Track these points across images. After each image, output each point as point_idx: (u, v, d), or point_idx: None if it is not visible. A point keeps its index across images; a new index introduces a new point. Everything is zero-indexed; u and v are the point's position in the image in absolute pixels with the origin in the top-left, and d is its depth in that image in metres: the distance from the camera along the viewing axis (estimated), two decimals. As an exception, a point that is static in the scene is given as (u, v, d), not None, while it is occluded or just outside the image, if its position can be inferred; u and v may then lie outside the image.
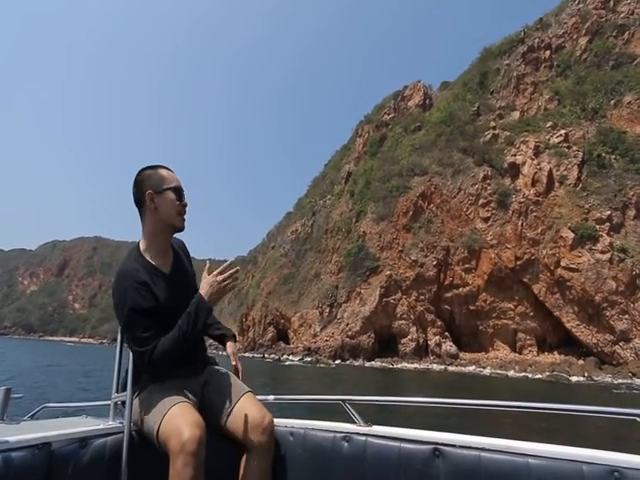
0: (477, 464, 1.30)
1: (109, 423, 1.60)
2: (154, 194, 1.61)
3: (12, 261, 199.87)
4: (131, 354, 1.56)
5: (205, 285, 1.58)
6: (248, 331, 64.48)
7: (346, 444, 1.57)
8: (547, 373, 30.13)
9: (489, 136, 45.15)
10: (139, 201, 1.64)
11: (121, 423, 1.56)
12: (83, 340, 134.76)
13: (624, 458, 1.16)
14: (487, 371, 32.17)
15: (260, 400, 1.73)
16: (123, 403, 1.59)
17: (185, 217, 1.68)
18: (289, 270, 66.91)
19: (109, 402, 1.67)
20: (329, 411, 1.93)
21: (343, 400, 1.68)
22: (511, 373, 31.04)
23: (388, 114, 67.54)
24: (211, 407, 1.65)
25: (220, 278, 1.57)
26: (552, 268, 35.21)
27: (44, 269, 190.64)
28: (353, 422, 1.64)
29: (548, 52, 47.81)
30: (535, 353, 36.78)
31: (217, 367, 1.84)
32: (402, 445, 1.45)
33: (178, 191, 1.66)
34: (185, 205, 1.68)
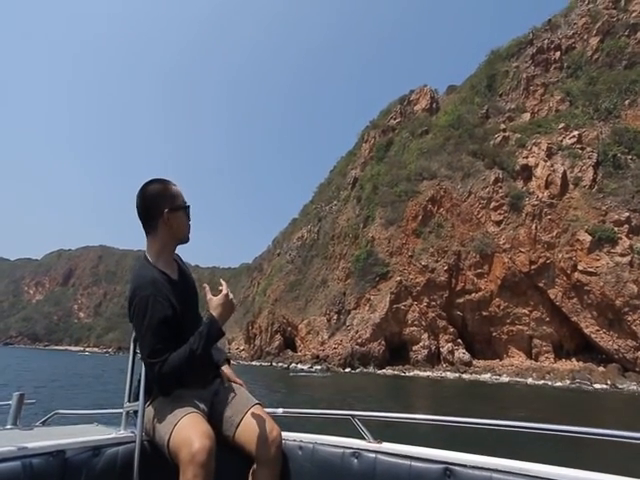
0: None
1: (121, 432, 1.58)
2: (170, 212, 1.65)
3: (18, 270, 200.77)
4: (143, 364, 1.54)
5: (215, 305, 1.57)
6: (255, 339, 63.63)
7: (355, 460, 1.53)
8: (567, 381, 28.93)
9: (499, 138, 44.38)
10: (152, 216, 1.67)
11: (133, 432, 1.54)
12: (88, 349, 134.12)
13: None
14: (505, 378, 30.99)
15: (269, 413, 1.70)
16: (135, 412, 1.56)
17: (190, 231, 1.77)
18: (295, 277, 66.18)
19: (120, 410, 1.65)
20: (338, 425, 1.86)
21: (352, 415, 1.64)
22: (530, 381, 29.85)
23: (394, 119, 67.04)
24: (220, 418, 1.63)
25: (230, 295, 1.59)
26: (569, 272, 34.13)
27: (50, 278, 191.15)
28: (362, 438, 1.60)
29: (558, 53, 47.09)
30: (552, 360, 35.57)
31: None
32: (412, 464, 1.41)
33: (188, 210, 1.74)
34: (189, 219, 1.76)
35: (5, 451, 1.20)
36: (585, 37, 46.08)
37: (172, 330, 1.55)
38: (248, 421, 1.59)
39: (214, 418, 1.63)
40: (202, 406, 1.61)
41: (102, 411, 2.06)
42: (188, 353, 1.48)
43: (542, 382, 29.18)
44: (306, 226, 75.69)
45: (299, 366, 43.77)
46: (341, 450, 1.59)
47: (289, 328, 57.42)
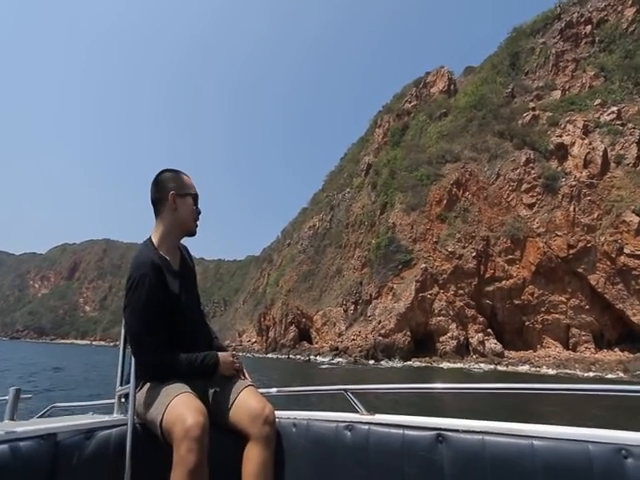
0: (481, 448, 1.27)
1: (114, 416, 1.60)
2: (176, 196, 1.69)
3: (23, 265, 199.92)
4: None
5: (226, 357, 1.67)
6: (268, 331, 61.82)
7: (349, 433, 1.54)
8: (620, 373, 26.81)
9: (528, 117, 41.96)
10: (159, 199, 1.70)
11: (125, 416, 1.54)
12: (94, 343, 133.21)
13: (631, 436, 1.13)
14: (549, 370, 28.91)
15: (263, 393, 1.72)
16: (127, 396, 1.56)
17: (198, 224, 1.77)
18: (308, 267, 64.29)
19: (114, 400, 1.67)
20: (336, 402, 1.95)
21: (345, 390, 1.66)
22: (579, 373, 27.73)
23: (410, 102, 64.53)
24: (214, 401, 1.65)
25: (237, 361, 1.71)
26: (613, 256, 31.94)
27: (55, 272, 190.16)
28: (355, 411, 1.61)
29: (589, 27, 44.45)
30: (592, 350, 33.50)
31: None
32: (405, 432, 1.42)
33: (196, 198, 1.77)
34: (199, 212, 1.77)
35: None
36: (619, 9, 43.40)
37: (164, 316, 1.56)
38: (240, 401, 1.59)
39: (208, 402, 1.61)
40: (195, 388, 1.57)
41: (100, 402, 1.97)
42: (180, 363, 1.54)
43: (593, 374, 27.03)
44: (318, 215, 73.60)
45: (319, 358, 41.86)
46: (334, 424, 1.57)
47: (304, 319, 55.58)
